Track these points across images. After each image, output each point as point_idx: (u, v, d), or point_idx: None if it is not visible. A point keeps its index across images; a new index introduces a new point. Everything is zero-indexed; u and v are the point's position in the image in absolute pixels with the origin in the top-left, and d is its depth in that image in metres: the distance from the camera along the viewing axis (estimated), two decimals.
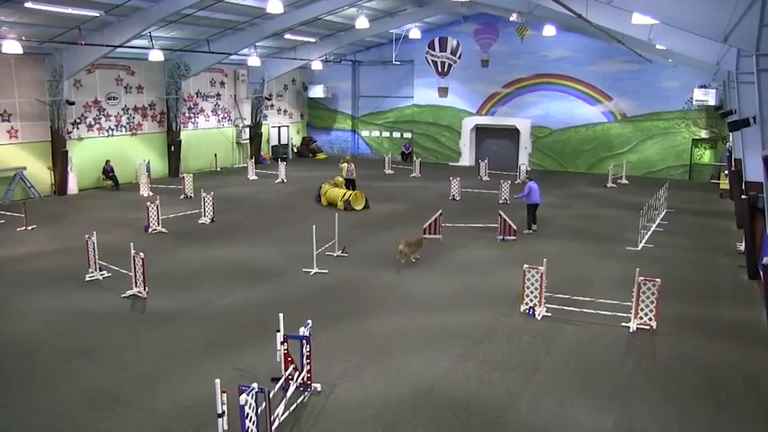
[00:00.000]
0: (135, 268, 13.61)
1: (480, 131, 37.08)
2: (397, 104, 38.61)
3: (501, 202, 24.71)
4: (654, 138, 32.89)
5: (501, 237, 18.13)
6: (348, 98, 40.09)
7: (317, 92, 39.57)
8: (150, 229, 19.52)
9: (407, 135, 38.95)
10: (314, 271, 15.37)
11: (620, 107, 33.61)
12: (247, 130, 35.88)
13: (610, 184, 29.64)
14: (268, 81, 36.16)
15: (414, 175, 32.38)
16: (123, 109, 29.04)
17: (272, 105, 38.21)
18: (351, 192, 23.29)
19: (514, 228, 18.13)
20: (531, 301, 12.79)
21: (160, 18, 22.10)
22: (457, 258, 16.85)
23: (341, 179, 25.36)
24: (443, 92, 34.69)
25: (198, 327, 12.15)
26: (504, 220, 18.17)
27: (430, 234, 18.12)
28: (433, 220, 18.44)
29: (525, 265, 12.83)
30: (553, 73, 34.43)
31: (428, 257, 16.63)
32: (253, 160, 32.16)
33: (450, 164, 37.26)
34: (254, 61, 30.38)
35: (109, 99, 28.38)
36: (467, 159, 37.28)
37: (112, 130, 28.64)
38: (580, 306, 13.17)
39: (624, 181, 31.08)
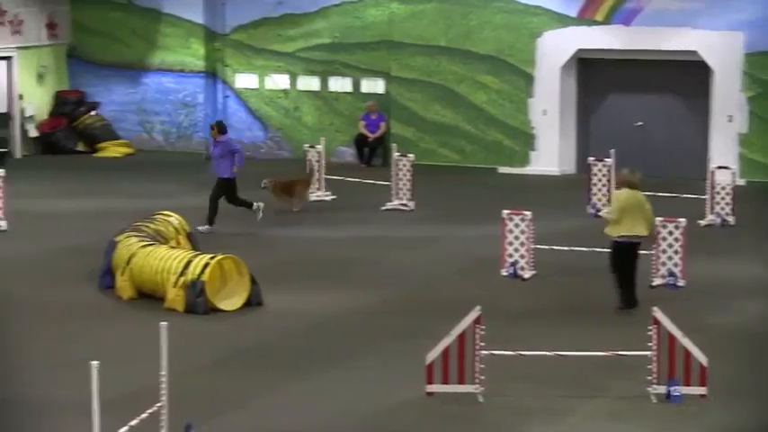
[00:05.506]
0: None
1: (593, 72, 32.22)
2: None
3: (654, 284, 19.74)
4: None
5: None
6: None
7: None
8: None
9: (374, 86, 34.11)
10: None
11: None
12: None
13: None
14: None
15: (394, 204, 27.25)
16: None
17: None
18: (208, 259, 18.80)
19: None
20: None
21: None
22: None
23: (170, 228, 21.23)
24: None
25: None
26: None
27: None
28: (457, 337, 14.40)
29: None
30: None
31: None
32: None
33: (504, 170, 31.90)
34: None
35: None
36: (553, 157, 31.68)
37: None
38: None
39: None
